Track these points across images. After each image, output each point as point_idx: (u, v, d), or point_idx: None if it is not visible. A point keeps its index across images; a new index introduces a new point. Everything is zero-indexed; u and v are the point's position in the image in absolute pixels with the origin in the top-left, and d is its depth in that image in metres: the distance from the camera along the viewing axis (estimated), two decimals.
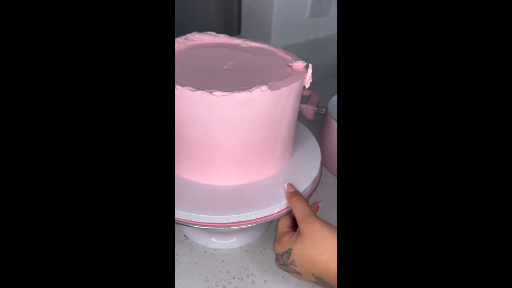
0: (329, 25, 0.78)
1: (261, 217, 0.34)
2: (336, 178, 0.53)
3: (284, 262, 0.32)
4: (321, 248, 0.29)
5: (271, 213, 0.35)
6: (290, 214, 0.35)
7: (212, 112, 0.31)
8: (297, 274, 0.32)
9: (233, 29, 0.77)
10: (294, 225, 0.35)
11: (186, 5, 0.67)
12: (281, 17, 0.67)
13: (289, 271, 0.33)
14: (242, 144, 0.34)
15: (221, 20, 0.74)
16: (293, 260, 0.31)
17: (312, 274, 0.30)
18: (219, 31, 0.46)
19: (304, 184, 0.37)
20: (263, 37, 0.69)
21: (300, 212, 0.32)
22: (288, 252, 0.31)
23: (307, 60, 0.36)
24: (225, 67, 0.36)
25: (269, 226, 0.46)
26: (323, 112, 0.54)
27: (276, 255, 0.34)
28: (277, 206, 0.35)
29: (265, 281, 0.39)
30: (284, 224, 0.34)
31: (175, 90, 0.30)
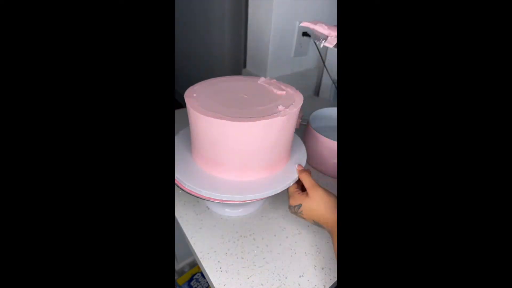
0: (307, 62, 0.94)
1: (250, 199, 0.44)
2: (313, 169, 0.66)
3: (295, 211, 0.45)
4: (321, 206, 0.42)
5: (256, 198, 0.44)
6: (298, 182, 0.47)
7: (224, 130, 0.39)
8: (302, 218, 0.45)
9: (241, 63, 0.91)
10: (302, 188, 0.46)
11: (208, 46, 0.84)
12: (274, 56, 0.81)
13: (297, 215, 0.45)
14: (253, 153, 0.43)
15: (232, 57, 0.89)
16: (302, 211, 0.44)
17: (313, 220, 0.43)
18: (232, 65, 0.57)
19: (294, 174, 0.47)
20: (262, 70, 0.84)
21: (307, 182, 0.45)
22: (299, 206, 0.44)
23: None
24: (245, 96, 0.45)
25: (263, 203, 0.55)
26: (305, 123, 0.68)
27: (290, 206, 0.46)
28: (259, 195, 0.43)
29: (262, 238, 0.48)
30: (294, 187, 0.46)
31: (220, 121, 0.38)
